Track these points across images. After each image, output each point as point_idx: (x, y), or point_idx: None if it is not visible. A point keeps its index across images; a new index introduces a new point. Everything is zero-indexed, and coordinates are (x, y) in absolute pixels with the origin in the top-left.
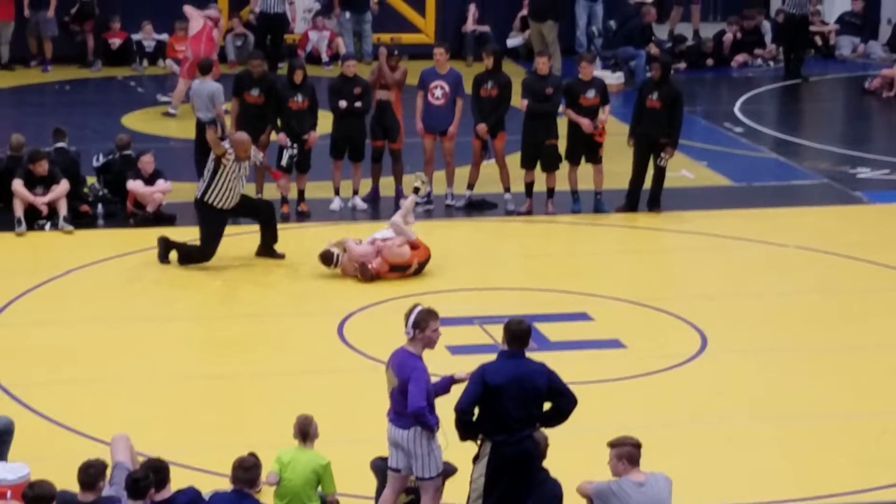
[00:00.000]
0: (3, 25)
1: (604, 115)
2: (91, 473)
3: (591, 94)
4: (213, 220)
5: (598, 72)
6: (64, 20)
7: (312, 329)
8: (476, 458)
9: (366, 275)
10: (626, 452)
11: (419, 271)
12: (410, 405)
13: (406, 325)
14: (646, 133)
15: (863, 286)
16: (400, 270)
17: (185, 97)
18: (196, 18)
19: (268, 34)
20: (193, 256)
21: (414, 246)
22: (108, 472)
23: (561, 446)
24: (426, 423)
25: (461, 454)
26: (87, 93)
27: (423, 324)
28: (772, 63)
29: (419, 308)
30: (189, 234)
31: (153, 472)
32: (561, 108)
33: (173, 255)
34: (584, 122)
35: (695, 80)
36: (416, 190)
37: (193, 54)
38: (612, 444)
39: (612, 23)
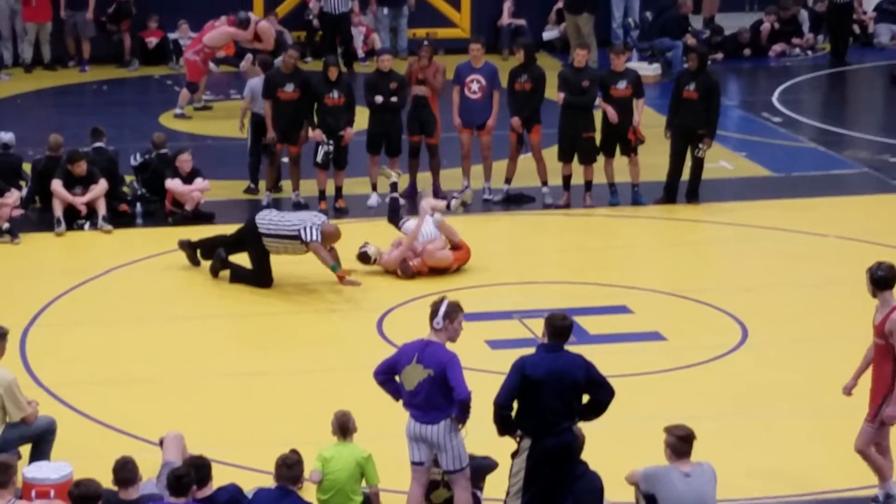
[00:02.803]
0: (41, 26)
1: (637, 114)
2: (129, 469)
3: (621, 85)
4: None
5: (635, 63)
6: (101, 20)
7: (352, 325)
8: (515, 454)
9: (406, 272)
10: (671, 442)
11: (458, 269)
12: (459, 393)
13: (435, 316)
14: (683, 124)
15: None
16: (439, 271)
17: (189, 99)
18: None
19: (335, 35)
20: (248, 279)
21: (456, 247)
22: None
23: (601, 439)
24: (469, 409)
25: (500, 449)
26: (124, 92)
27: (454, 315)
28: (810, 52)
29: (448, 300)
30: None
31: (195, 470)
32: (597, 101)
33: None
34: (610, 112)
35: (732, 70)
36: (394, 185)
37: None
38: (666, 430)
39: (648, 14)
